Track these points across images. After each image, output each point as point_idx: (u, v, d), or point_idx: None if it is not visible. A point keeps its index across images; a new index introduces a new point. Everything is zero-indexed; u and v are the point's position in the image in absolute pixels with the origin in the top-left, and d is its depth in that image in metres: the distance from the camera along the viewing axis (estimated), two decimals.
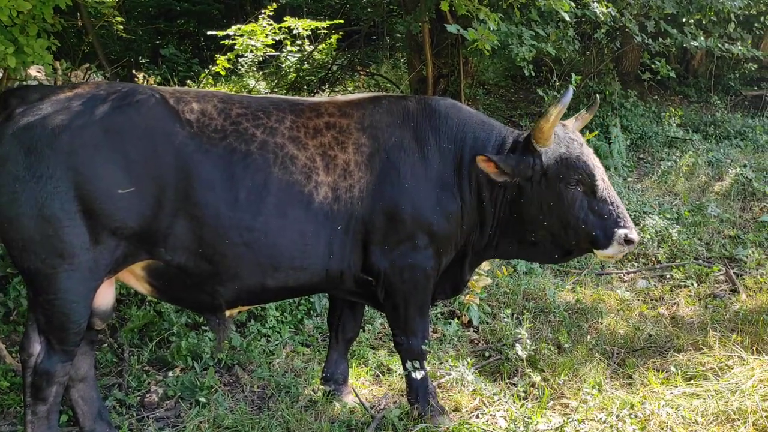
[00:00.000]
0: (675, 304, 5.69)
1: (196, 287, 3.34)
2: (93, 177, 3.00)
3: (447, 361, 3.33)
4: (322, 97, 3.74)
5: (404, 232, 3.57)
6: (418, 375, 3.43)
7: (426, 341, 3.79)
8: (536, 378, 3.19)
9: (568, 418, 3.11)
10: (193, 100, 3.29)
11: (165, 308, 4.80)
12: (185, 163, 3.14)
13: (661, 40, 8.67)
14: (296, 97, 3.76)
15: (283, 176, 3.32)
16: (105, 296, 3.31)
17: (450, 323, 5.17)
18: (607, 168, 8.87)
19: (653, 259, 6.65)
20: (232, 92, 10.67)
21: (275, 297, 3.79)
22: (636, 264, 6.64)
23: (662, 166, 8.79)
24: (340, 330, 4.16)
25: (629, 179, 8.67)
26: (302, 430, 3.75)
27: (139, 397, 4.11)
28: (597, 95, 3.97)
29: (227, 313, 3.58)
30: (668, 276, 6.28)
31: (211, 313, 3.52)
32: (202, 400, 4.04)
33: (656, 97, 12.72)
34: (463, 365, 3.17)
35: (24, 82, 5.58)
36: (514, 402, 3.11)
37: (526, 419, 2.93)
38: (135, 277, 3.38)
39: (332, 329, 4.20)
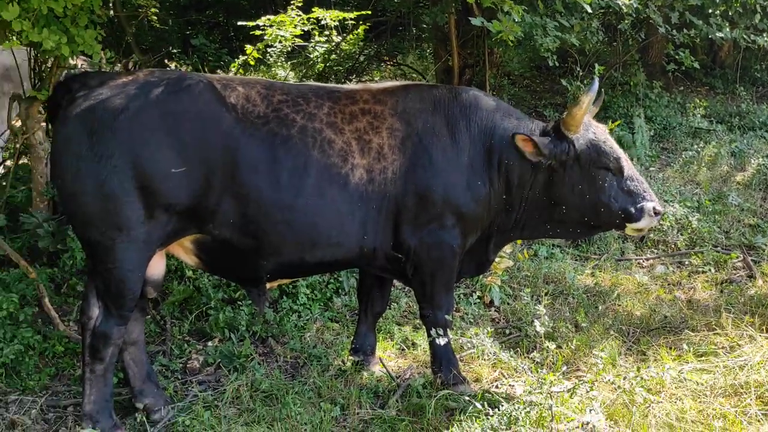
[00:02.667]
0: (692, 288, 5.86)
1: (240, 261, 3.63)
2: (149, 157, 3.29)
3: (469, 333, 3.57)
4: (357, 85, 3.99)
5: (434, 212, 3.83)
6: (441, 341, 3.68)
7: (450, 314, 4.05)
8: (552, 346, 3.41)
9: (580, 381, 3.35)
10: (239, 86, 3.56)
11: (203, 284, 5.10)
12: (231, 145, 3.42)
13: (686, 31, 8.75)
14: (333, 85, 4.03)
15: (322, 159, 3.58)
16: (157, 267, 3.62)
17: (472, 303, 5.41)
18: (630, 157, 9.01)
19: (673, 246, 6.81)
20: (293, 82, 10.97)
21: (313, 271, 4.12)
22: (655, 250, 6.80)
23: (685, 156, 8.89)
24: (369, 304, 4.43)
25: (651, 169, 8.79)
26: (332, 395, 4.03)
27: (181, 364, 4.42)
28: (602, 89, 4.20)
29: (267, 285, 3.88)
30: (687, 262, 6.44)
31: (252, 285, 3.83)
32: (240, 367, 4.33)
33: (682, 88, 12.75)
34: (484, 333, 3.41)
35: (71, 70, 5.91)
36: (531, 370, 3.34)
37: (541, 381, 3.16)
38: (184, 250, 3.68)
39: (362, 303, 4.48)
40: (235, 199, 3.46)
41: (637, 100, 10.51)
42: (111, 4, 4.98)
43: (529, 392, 3.15)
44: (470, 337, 3.38)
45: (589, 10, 6.14)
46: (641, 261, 6.62)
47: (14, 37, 4.30)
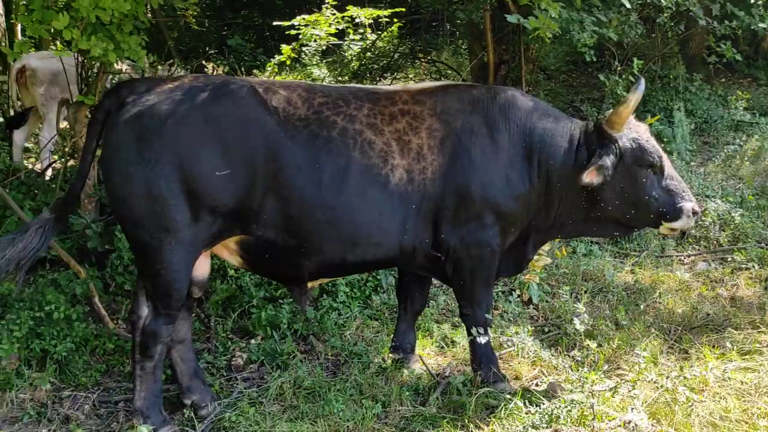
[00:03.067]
0: (735, 285, 5.77)
1: (283, 260, 3.71)
2: (194, 161, 3.39)
3: (509, 331, 3.59)
4: (396, 86, 4.04)
5: (473, 211, 3.87)
6: (482, 340, 3.72)
7: (490, 312, 4.08)
8: (592, 344, 3.42)
9: (622, 380, 3.35)
10: (280, 89, 3.64)
11: (246, 283, 5.21)
12: (273, 148, 3.50)
13: (727, 22, 8.58)
14: (371, 86, 4.09)
15: (362, 160, 3.65)
16: (202, 267, 3.73)
17: (511, 301, 5.42)
18: (669, 152, 8.88)
19: (715, 242, 6.70)
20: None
21: (354, 270, 4.20)
22: (697, 247, 6.71)
23: (727, 150, 8.73)
24: (409, 303, 4.48)
25: (692, 163, 8.66)
26: (373, 392, 4.09)
27: (226, 361, 4.53)
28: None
29: (309, 284, 3.96)
30: (729, 259, 6.34)
31: (294, 284, 3.91)
32: (283, 364, 4.43)
33: (723, 79, 12.52)
34: (524, 332, 3.44)
35: (117, 76, 6.09)
36: (571, 369, 3.35)
37: (582, 379, 3.17)
38: (228, 251, 3.78)
39: (401, 302, 4.53)
40: (278, 200, 3.54)
41: (677, 93, 10.35)
42: (151, 10, 5.09)
43: (570, 390, 3.16)
44: (510, 336, 3.40)
45: (628, 5, 6.07)
46: (682, 258, 6.54)
47: (63, 45, 4.44)
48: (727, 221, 6.81)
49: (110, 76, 5.73)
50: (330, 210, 3.59)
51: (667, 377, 3.38)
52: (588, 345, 3.58)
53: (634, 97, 3.84)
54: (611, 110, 4.03)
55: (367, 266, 4.11)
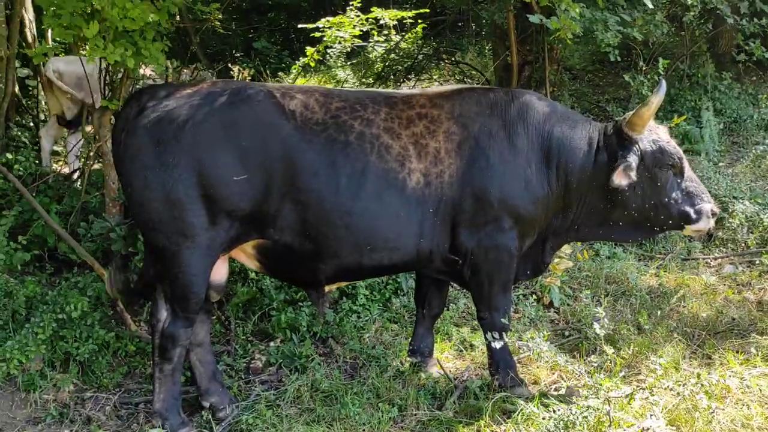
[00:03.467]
0: (762, 289, 5.65)
1: (300, 264, 3.74)
2: (211, 165, 3.43)
3: (525, 335, 3.57)
4: (413, 90, 4.05)
5: (491, 214, 3.86)
6: (497, 345, 3.70)
7: (507, 316, 4.06)
8: (609, 350, 3.38)
9: (638, 386, 3.30)
10: (297, 94, 3.66)
11: (266, 285, 5.25)
12: (290, 152, 3.52)
13: (756, 20, 8.42)
14: (389, 90, 4.11)
15: (380, 164, 3.65)
16: (220, 271, 3.77)
17: (531, 304, 5.38)
18: (697, 153, 8.74)
19: (742, 244, 6.57)
20: (325, 85, 11.13)
21: (371, 274, 4.21)
22: (724, 249, 6.58)
23: (756, 150, 8.55)
24: (427, 306, 4.47)
25: (720, 164, 8.50)
26: (390, 396, 4.09)
27: (245, 363, 4.57)
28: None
29: (326, 288, 3.98)
30: (757, 262, 6.21)
31: (312, 288, 3.94)
32: (301, 367, 4.45)
33: (754, 78, 12.25)
34: (539, 337, 3.41)
35: (140, 80, 6.17)
36: (589, 374, 3.32)
37: (597, 386, 3.14)
38: (246, 255, 3.81)
39: (419, 305, 4.52)
40: (295, 205, 3.56)
41: (706, 92, 10.15)
42: (177, 16, 5.16)
43: (586, 397, 3.13)
44: (526, 341, 3.38)
45: (650, 5, 5.99)
46: (709, 261, 6.42)
47: (84, 51, 4.51)
48: (756, 223, 6.67)
49: (133, 81, 5.80)
50: (347, 215, 3.60)
51: (683, 384, 3.31)
52: (605, 350, 3.53)
53: (656, 99, 3.81)
54: (632, 112, 3.99)
55: (385, 270, 4.11)
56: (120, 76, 5.59)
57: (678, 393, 3.35)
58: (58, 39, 4.40)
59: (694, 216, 3.99)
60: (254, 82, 3.83)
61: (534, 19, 6.20)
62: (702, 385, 3.24)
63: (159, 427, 3.65)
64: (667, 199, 3.98)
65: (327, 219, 3.59)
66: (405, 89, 4.49)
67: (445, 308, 5.38)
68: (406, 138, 3.77)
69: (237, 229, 3.56)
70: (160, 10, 4.66)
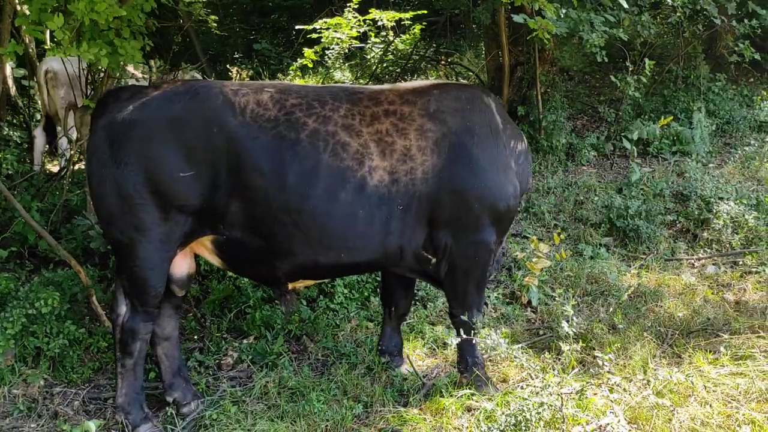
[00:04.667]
0: (742, 289, 5.63)
1: (255, 260, 3.75)
2: (158, 162, 3.47)
3: (486, 332, 3.58)
4: (383, 86, 4.02)
5: (472, 211, 3.85)
6: (454, 341, 3.70)
7: (481, 315, 4.08)
8: (565, 347, 3.38)
9: (587, 383, 3.30)
10: (251, 91, 3.64)
11: (243, 283, 5.28)
12: (235, 149, 3.50)
13: (746, 21, 8.39)
14: (358, 86, 4.07)
15: (334, 162, 3.60)
16: (180, 266, 3.79)
17: (508, 303, 5.39)
18: (688, 154, 8.71)
19: (727, 245, 6.55)
20: (314, 84, 11.14)
21: (332, 273, 4.17)
22: (708, 250, 6.56)
23: (745, 151, 8.51)
24: (394, 306, 4.48)
25: (710, 165, 8.47)
26: (357, 393, 4.11)
27: (216, 360, 4.59)
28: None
29: (290, 286, 3.98)
30: (740, 262, 6.19)
31: (272, 284, 3.94)
32: (271, 364, 4.47)
33: (751, 79, 12.19)
34: (497, 334, 3.41)
35: (123, 80, 6.22)
36: (545, 371, 3.32)
37: (546, 382, 3.14)
38: (207, 250, 3.83)
39: (385, 305, 4.53)
40: (242, 201, 3.55)
41: (700, 93, 10.12)
42: (155, 15, 5.19)
43: (537, 393, 3.13)
44: (484, 337, 3.38)
45: (626, 6, 5.99)
46: (692, 261, 6.40)
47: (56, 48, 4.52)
48: (740, 224, 6.65)
49: (115, 81, 5.85)
50: (296, 213, 3.57)
51: (631, 381, 3.31)
52: (571, 349, 3.53)
53: None
54: None
55: (349, 269, 4.08)
56: (101, 75, 5.64)
57: (628, 390, 3.33)
58: (26, 35, 4.40)
59: None
60: (213, 81, 3.84)
61: (518, 19, 6.21)
62: (648, 382, 3.23)
63: (121, 421, 3.68)
64: None
65: (275, 217, 3.57)
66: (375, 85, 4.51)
67: (423, 307, 5.41)
68: (367, 135, 3.71)
69: (191, 223, 3.59)
70: (133, 7, 4.69)
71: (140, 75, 6.95)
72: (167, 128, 3.48)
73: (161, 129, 3.48)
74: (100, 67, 5.43)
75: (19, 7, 6.84)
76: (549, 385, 3.11)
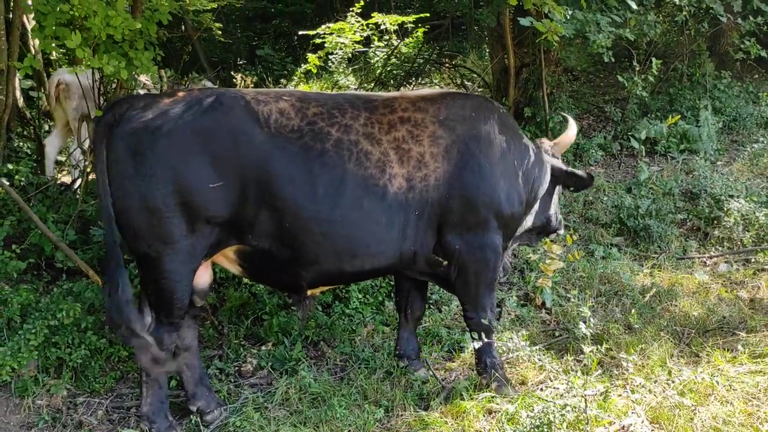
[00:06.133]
0: (756, 287, 5.64)
1: (280, 270, 3.77)
2: (187, 174, 3.44)
3: (505, 336, 3.60)
4: (393, 93, 4.08)
5: (481, 215, 3.96)
6: (476, 345, 3.73)
7: (494, 315, 4.14)
8: (587, 349, 3.40)
9: (612, 384, 3.32)
10: (273, 100, 3.66)
11: (259, 290, 5.31)
12: (264, 160, 3.52)
13: (751, 18, 8.41)
14: (370, 93, 4.13)
15: (358, 171, 3.66)
16: (202, 277, 3.81)
17: (523, 305, 5.42)
18: (696, 152, 8.73)
19: (738, 243, 6.57)
20: (321, 90, 11.18)
21: (352, 279, 4.29)
22: (720, 248, 6.58)
23: (754, 148, 8.52)
24: (409, 310, 4.53)
25: (718, 163, 8.48)
26: (377, 397, 4.13)
27: (236, 367, 4.62)
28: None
29: (308, 292, 4.01)
30: (753, 260, 6.21)
31: (293, 292, 3.97)
32: (291, 370, 4.50)
33: (756, 76, 12.19)
34: (518, 337, 3.44)
35: (134, 89, 6.25)
36: (566, 373, 3.34)
37: (570, 384, 3.16)
38: (228, 260, 3.85)
39: (400, 310, 4.58)
40: (272, 212, 3.57)
41: (705, 91, 10.13)
42: (165, 26, 5.22)
43: (561, 395, 3.16)
44: (505, 341, 3.40)
45: (634, 6, 6.01)
46: (704, 259, 6.42)
47: (70, 63, 4.57)
48: (751, 221, 6.66)
49: (128, 91, 5.88)
50: (326, 223, 3.61)
51: (656, 381, 3.33)
52: (592, 350, 3.55)
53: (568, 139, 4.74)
54: (557, 140, 4.77)
55: (367, 275, 4.13)
56: (114, 86, 5.68)
57: (652, 391, 3.35)
58: (43, 50, 4.45)
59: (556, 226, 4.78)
60: (231, 89, 3.85)
61: (524, 21, 6.26)
62: (673, 381, 3.25)
63: (146, 429, 3.70)
64: (554, 210, 4.70)
65: (305, 227, 3.60)
66: (386, 93, 4.59)
67: (438, 311, 5.44)
68: (386, 143, 3.79)
69: (217, 235, 3.59)
70: (149, 20, 4.73)
71: (151, 85, 6.98)
72: (194, 138, 3.46)
73: (188, 139, 3.46)
74: (114, 79, 5.49)
75: (28, 23, 6.91)
76: (573, 387, 3.13)
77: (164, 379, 3.81)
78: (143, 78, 6.80)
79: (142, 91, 6.54)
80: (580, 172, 4.56)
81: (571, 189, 4.73)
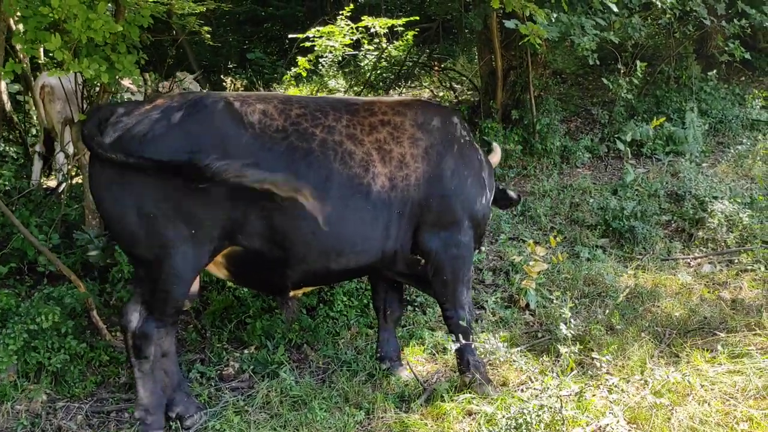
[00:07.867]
0: (738, 288, 5.67)
1: (268, 270, 3.80)
2: (177, 177, 3.40)
3: (485, 336, 3.61)
4: (371, 98, 4.20)
5: (456, 214, 4.11)
6: (453, 347, 3.75)
7: (472, 313, 4.23)
8: (563, 350, 3.41)
9: (585, 385, 3.34)
10: (256, 102, 3.69)
11: (242, 294, 5.30)
12: (252, 160, 3.51)
13: (735, 21, 8.46)
14: (349, 97, 4.21)
15: (344, 170, 3.74)
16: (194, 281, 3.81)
17: (506, 306, 5.43)
18: (681, 154, 8.77)
19: (722, 244, 6.60)
20: (312, 93, 11.19)
21: (337, 279, 4.32)
22: (704, 249, 6.60)
23: (737, 150, 8.57)
24: (388, 311, 4.58)
25: (704, 165, 8.52)
26: (358, 400, 4.13)
27: (218, 371, 4.61)
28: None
29: (291, 293, 4.04)
30: (736, 261, 6.23)
31: (277, 293, 3.99)
32: (273, 373, 4.49)
33: (743, 78, 12.26)
34: (496, 338, 3.45)
35: (118, 93, 6.25)
36: (543, 374, 3.35)
37: (545, 385, 3.17)
38: (215, 264, 3.86)
39: (379, 311, 4.62)
40: (262, 211, 3.59)
41: (692, 93, 10.19)
42: (149, 30, 5.21)
43: (536, 396, 3.17)
44: (482, 342, 3.41)
45: (615, 9, 6.05)
46: (688, 260, 6.45)
47: (57, 66, 4.56)
48: (735, 222, 6.69)
49: (111, 95, 5.88)
50: (314, 221, 3.64)
51: (629, 381, 3.34)
52: (569, 351, 3.57)
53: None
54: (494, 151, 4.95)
55: (351, 274, 4.19)
56: (97, 90, 5.67)
57: (626, 391, 3.37)
58: (24, 54, 4.43)
59: None
60: (213, 92, 3.86)
61: (509, 24, 6.28)
62: (645, 382, 3.27)
63: (146, 420, 3.71)
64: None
65: (293, 225, 3.64)
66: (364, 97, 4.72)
67: (422, 313, 5.44)
68: (369, 144, 3.90)
69: (214, 235, 3.58)
70: (131, 23, 4.73)
71: (135, 88, 6.97)
72: (183, 141, 3.45)
73: (176, 143, 3.45)
74: (96, 82, 5.48)
75: (14, 26, 6.89)
76: (548, 388, 3.14)
77: (159, 374, 3.79)
78: (126, 82, 6.79)
79: (126, 95, 6.52)
80: (512, 192, 4.82)
81: (500, 206, 4.89)
